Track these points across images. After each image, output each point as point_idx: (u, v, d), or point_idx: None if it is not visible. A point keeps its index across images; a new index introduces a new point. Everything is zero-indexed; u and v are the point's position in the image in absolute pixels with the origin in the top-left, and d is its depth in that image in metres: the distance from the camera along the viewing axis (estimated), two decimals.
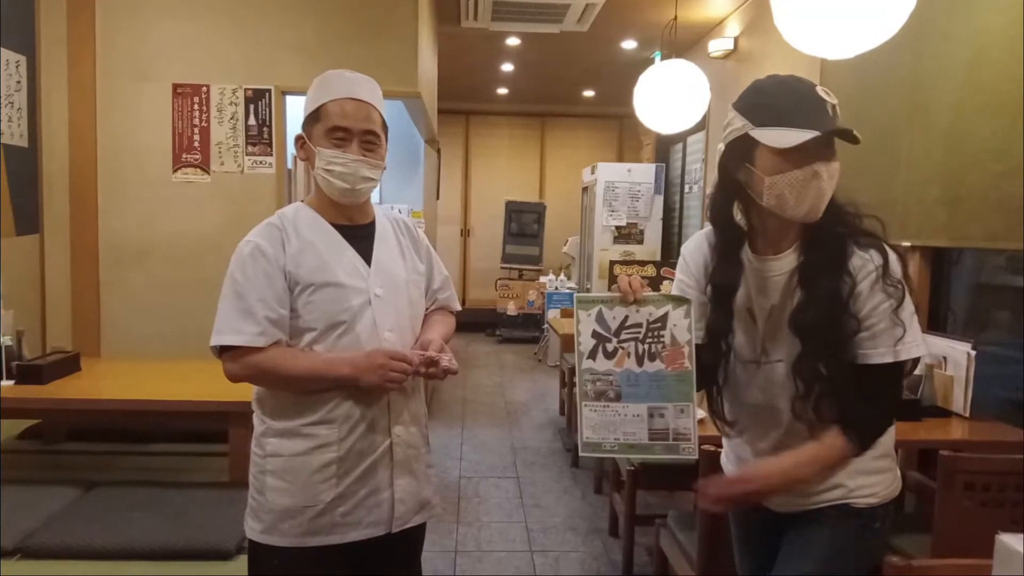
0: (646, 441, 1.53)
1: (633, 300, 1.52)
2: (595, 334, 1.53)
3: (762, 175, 1.46)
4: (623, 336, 1.53)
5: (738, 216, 1.58)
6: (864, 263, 1.49)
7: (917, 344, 1.50)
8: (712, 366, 1.62)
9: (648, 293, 1.53)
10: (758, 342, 1.59)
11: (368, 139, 1.68)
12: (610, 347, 1.53)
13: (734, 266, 1.58)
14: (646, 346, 1.52)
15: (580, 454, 1.57)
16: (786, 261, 1.55)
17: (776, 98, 1.47)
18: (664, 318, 1.52)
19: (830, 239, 1.51)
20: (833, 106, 1.44)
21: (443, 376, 1.70)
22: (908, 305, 1.50)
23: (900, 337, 1.48)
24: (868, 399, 1.52)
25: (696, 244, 1.70)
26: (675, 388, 1.53)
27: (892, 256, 1.50)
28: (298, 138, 1.74)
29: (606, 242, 7.58)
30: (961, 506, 2.02)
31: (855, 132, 1.40)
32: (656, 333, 1.52)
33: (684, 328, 1.52)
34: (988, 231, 2.73)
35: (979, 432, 2.64)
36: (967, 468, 2.03)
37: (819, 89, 1.45)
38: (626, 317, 1.53)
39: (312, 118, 1.69)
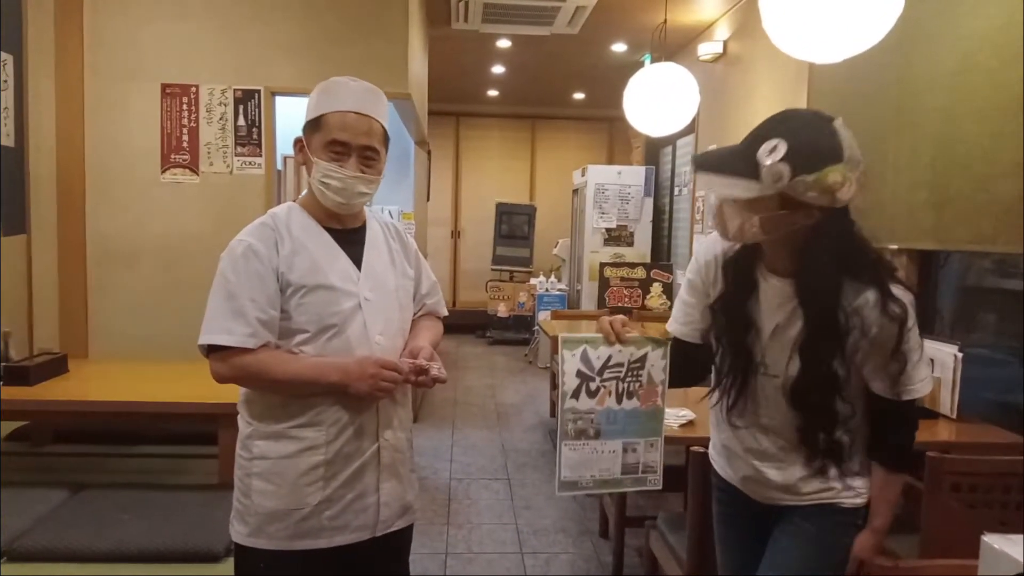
0: (618, 476, 1.59)
1: (616, 341, 1.55)
2: (579, 373, 1.55)
3: None
4: (606, 375, 1.56)
5: None
6: (877, 330, 1.51)
7: (916, 388, 1.58)
8: (731, 367, 1.65)
9: (631, 335, 1.56)
10: (759, 354, 1.61)
11: (367, 154, 1.66)
12: (593, 386, 1.56)
13: (752, 269, 1.62)
14: (625, 385, 1.57)
15: (557, 494, 1.60)
16: (786, 286, 1.57)
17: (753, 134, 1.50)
18: (644, 359, 1.57)
19: (828, 306, 1.50)
20: (763, 168, 1.41)
21: (432, 384, 1.70)
22: (912, 356, 1.54)
23: (894, 389, 1.57)
24: (886, 428, 1.62)
25: (710, 245, 1.72)
26: (647, 424, 1.59)
27: (911, 320, 1.52)
28: (297, 141, 1.72)
29: (596, 244, 7.60)
30: (948, 507, 2.03)
31: (697, 170, 1.55)
32: (635, 373, 1.57)
33: (660, 368, 1.58)
34: (975, 234, 2.75)
35: (966, 434, 2.66)
36: (954, 469, 2.04)
37: (766, 147, 1.41)
38: (609, 357, 1.56)
39: (312, 125, 1.67)
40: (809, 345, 1.52)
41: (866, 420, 1.64)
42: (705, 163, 1.54)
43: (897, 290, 1.52)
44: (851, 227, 1.51)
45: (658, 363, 1.58)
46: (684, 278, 1.78)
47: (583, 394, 1.55)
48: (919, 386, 1.57)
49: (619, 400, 1.56)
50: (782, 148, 1.40)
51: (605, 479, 1.59)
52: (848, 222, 1.50)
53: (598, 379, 1.55)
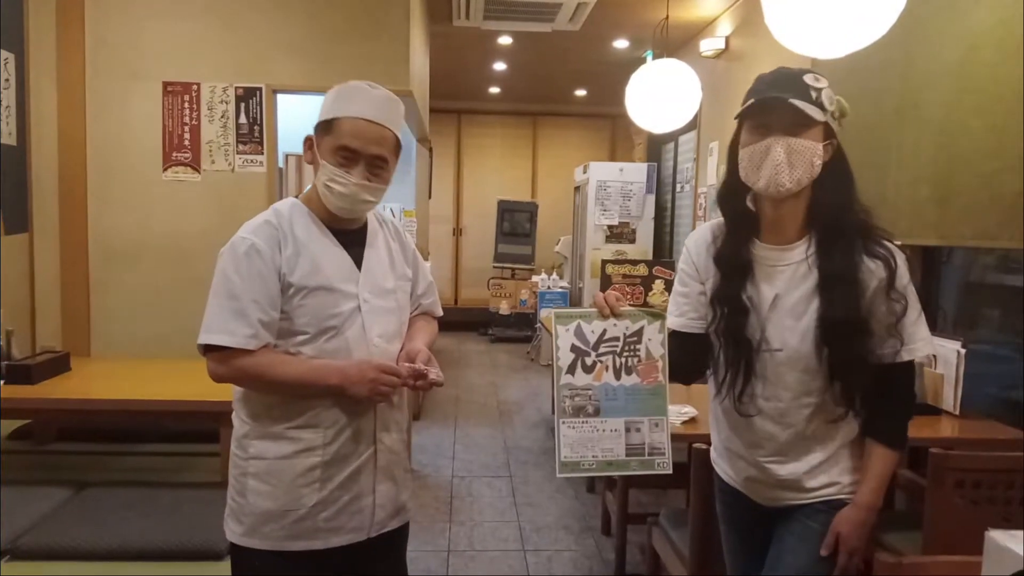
0: (623, 457, 1.55)
1: (610, 314, 1.54)
2: (574, 348, 1.54)
3: (740, 148, 1.57)
4: (601, 349, 1.54)
5: (750, 203, 1.64)
6: (870, 274, 1.53)
7: (917, 347, 1.57)
8: (732, 356, 1.64)
9: (625, 308, 1.55)
10: (756, 330, 1.60)
11: (376, 163, 1.64)
12: (589, 361, 1.54)
13: (742, 254, 1.62)
14: (623, 360, 1.54)
15: (558, 475, 1.56)
16: (795, 253, 1.58)
17: (759, 82, 1.56)
18: (640, 332, 1.55)
19: (843, 241, 1.54)
20: (819, 91, 1.50)
21: (429, 388, 1.70)
22: (911, 311, 1.55)
23: (898, 347, 1.55)
24: (883, 399, 1.60)
25: (701, 234, 1.73)
26: (650, 402, 1.55)
27: (901, 266, 1.54)
28: (307, 139, 1.69)
29: (598, 241, 7.59)
30: (951, 503, 2.03)
31: (788, 98, 1.47)
32: (632, 347, 1.54)
33: (658, 343, 1.55)
34: (979, 230, 2.74)
35: (969, 430, 2.65)
36: (957, 466, 2.04)
37: (809, 76, 1.52)
38: (604, 331, 1.54)
39: (324, 127, 1.63)
40: (831, 283, 1.53)
41: (864, 402, 1.62)
42: (772, 99, 1.50)
43: (883, 259, 1.54)
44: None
45: (655, 337, 1.55)
46: (677, 270, 1.78)
47: (579, 369, 1.53)
48: (919, 345, 1.57)
49: (617, 375, 1.54)
50: (821, 77, 1.51)
51: (609, 460, 1.54)
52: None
53: (594, 354, 1.53)
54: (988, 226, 2.69)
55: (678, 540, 2.52)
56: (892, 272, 1.53)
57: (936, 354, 2.82)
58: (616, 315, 1.54)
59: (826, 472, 1.62)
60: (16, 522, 2.34)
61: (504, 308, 9.10)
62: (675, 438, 2.50)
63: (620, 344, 1.54)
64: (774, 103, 1.49)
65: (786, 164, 1.49)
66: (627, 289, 7.00)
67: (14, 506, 2.44)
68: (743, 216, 1.64)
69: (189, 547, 2.25)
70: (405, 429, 1.83)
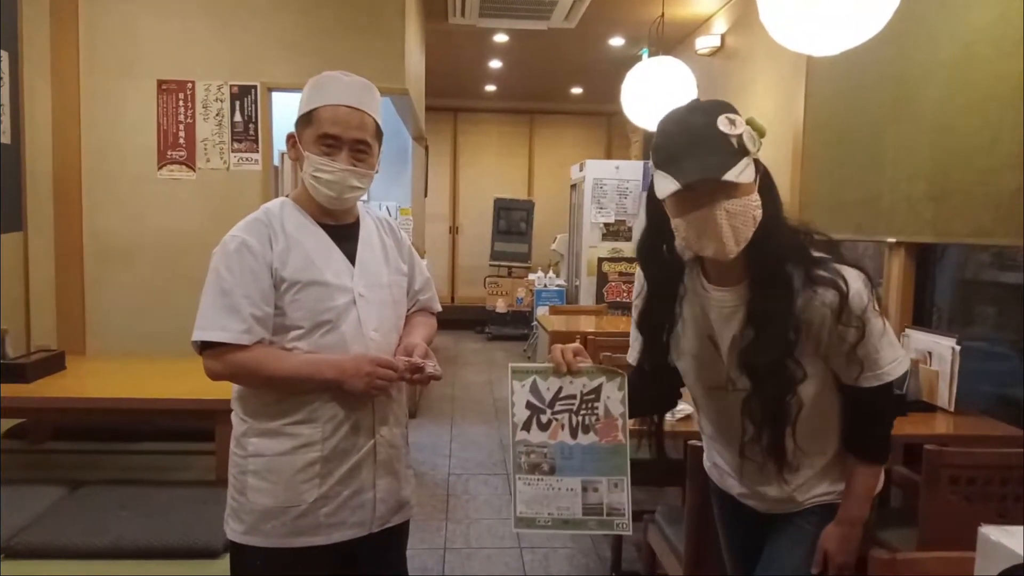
0: (580, 516, 1.52)
1: (567, 371, 1.50)
2: (529, 405, 1.51)
3: (671, 216, 1.43)
4: (557, 408, 1.51)
5: (680, 245, 1.54)
6: (818, 304, 1.43)
7: (885, 371, 1.48)
8: (668, 389, 1.67)
9: (582, 364, 1.51)
10: (723, 370, 1.55)
11: (359, 148, 1.65)
12: (544, 419, 1.51)
13: (665, 304, 1.57)
14: (580, 418, 1.51)
15: (514, 530, 1.54)
16: (737, 294, 1.50)
17: (669, 137, 1.39)
18: (598, 390, 1.51)
19: (779, 277, 1.44)
20: (739, 137, 1.34)
21: (427, 382, 1.70)
22: (871, 336, 1.45)
23: (859, 374, 1.48)
24: (858, 420, 1.56)
25: None
26: (609, 461, 1.52)
27: (853, 288, 1.42)
28: (289, 137, 1.71)
29: (594, 239, 7.59)
30: (946, 500, 2.03)
31: (721, 177, 1.32)
32: (590, 405, 1.51)
33: (617, 401, 1.51)
34: (974, 227, 2.75)
35: (964, 427, 2.66)
36: (952, 462, 2.04)
37: (722, 120, 1.34)
38: (560, 388, 1.51)
39: (304, 121, 1.66)
40: (760, 311, 1.44)
41: (844, 415, 1.58)
42: (700, 181, 1.33)
43: (831, 285, 1.42)
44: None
45: (614, 395, 1.50)
46: (633, 305, 1.71)
47: (534, 426, 1.50)
48: (889, 368, 1.47)
49: (573, 434, 1.50)
50: (733, 115, 1.35)
51: (565, 519, 1.51)
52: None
53: (549, 412, 1.50)
54: (984, 223, 2.69)
55: (674, 537, 2.52)
56: (843, 296, 1.40)
57: (931, 351, 2.82)
58: (572, 372, 1.50)
59: (816, 486, 1.61)
60: (11, 521, 2.34)
61: (500, 306, 9.10)
62: (670, 435, 2.51)
63: (576, 402, 1.51)
64: (704, 185, 1.33)
65: (729, 230, 1.36)
66: (622, 287, 7.02)
67: (9, 505, 2.43)
68: (669, 271, 1.56)
69: (184, 546, 2.24)
70: (404, 424, 1.83)
